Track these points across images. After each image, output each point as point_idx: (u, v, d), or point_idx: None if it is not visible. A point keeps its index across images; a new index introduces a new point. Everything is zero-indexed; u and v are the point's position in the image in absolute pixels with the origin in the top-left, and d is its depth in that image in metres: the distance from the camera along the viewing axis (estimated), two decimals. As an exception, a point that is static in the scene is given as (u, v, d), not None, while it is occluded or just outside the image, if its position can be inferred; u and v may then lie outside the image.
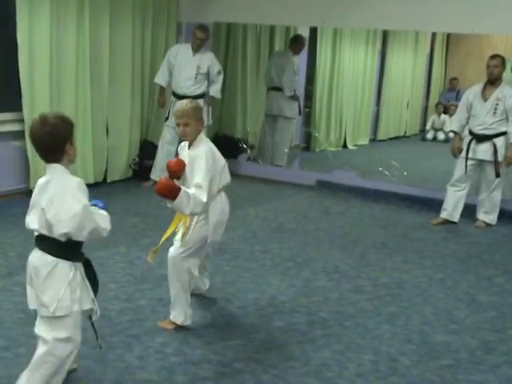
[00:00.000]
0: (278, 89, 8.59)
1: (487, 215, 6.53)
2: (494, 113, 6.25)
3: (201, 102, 7.39)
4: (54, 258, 2.75)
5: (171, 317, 3.81)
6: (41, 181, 2.80)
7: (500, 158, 6.27)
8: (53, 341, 2.75)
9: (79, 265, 2.84)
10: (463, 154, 6.40)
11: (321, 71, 9.79)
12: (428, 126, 11.52)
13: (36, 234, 2.82)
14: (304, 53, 8.95)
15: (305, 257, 5.27)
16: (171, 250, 3.87)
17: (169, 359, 3.43)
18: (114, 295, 4.22)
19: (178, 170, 3.72)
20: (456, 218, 6.53)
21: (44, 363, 2.77)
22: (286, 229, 6.03)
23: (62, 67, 6.61)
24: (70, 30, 6.61)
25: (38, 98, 6.38)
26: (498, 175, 6.30)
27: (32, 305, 2.89)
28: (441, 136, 11.18)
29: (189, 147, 3.74)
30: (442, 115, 11.24)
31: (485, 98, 6.31)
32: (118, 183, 7.37)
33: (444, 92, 11.66)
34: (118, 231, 5.63)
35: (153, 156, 7.53)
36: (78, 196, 2.68)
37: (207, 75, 7.41)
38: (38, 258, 2.80)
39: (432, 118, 11.51)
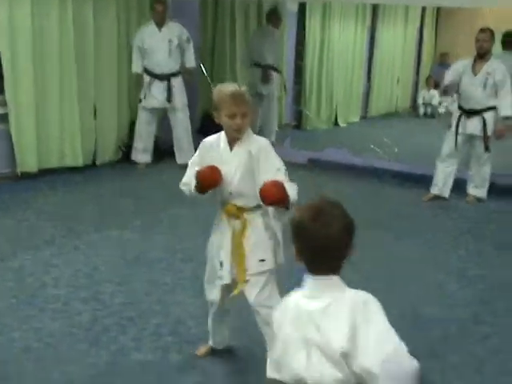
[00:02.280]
0: (259, 64, 8.52)
1: (477, 190, 6.55)
2: (484, 87, 6.24)
3: (179, 79, 7.35)
4: None
5: None
6: (309, 305, 1.85)
7: (489, 133, 6.27)
8: None
9: None
10: (453, 128, 6.41)
11: (310, 47, 9.75)
12: (419, 101, 11.54)
13: None
14: (293, 28, 8.89)
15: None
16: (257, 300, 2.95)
17: (163, 340, 3.45)
18: (106, 278, 4.23)
19: (215, 181, 2.83)
20: (446, 193, 6.55)
21: None
22: (277, 208, 6.04)
23: (45, 49, 6.51)
24: (52, 9, 6.49)
25: (21, 80, 6.30)
26: (487, 149, 6.30)
27: None
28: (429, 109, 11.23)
29: (231, 146, 2.87)
30: (432, 90, 11.24)
31: (475, 73, 6.31)
32: (108, 165, 7.34)
33: (434, 67, 11.65)
34: (110, 214, 5.65)
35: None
36: (387, 326, 1.79)
37: (180, 47, 7.32)
38: None
39: (422, 93, 11.52)
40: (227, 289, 2.99)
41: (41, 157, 6.59)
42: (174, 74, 7.29)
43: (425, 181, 6.76)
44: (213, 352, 3.34)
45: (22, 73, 6.32)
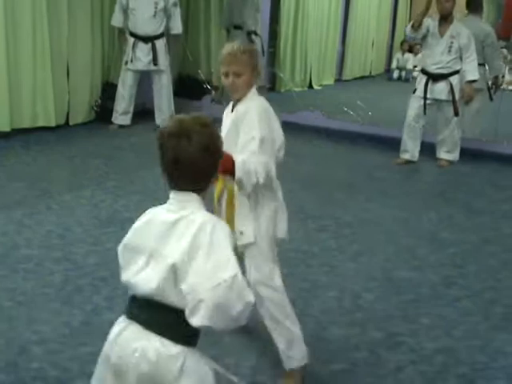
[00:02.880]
0: (239, 27, 8.42)
1: (449, 154, 6.57)
2: (449, 51, 6.19)
3: (163, 41, 7.24)
4: (181, 347, 1.79)
5: (290, 366, 2.76)
6: (163, 216, 1.86)
7: (457, 97, 6.25)
8: None
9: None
10: (418, 93, 6.39)
11: (285, 9, 9.65)
12: (393, 65, 11.52)
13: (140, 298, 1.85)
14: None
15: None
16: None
17: (136, 300, 3.45)
18: (79, 238, 4.21)
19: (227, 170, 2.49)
20: (416, 157, 6.57)
21: None
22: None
23: (17, 7, 6.35)
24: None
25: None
26: (456, 114, 6.28)
27: None
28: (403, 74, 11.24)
29: (232, 108, 2.73)
30: (406, 54, 11.23)
31: (440, 35, 6.24)
32: (81, 126, 7.25)
33: (409, 31, 11.61)
34: (83, 174, 5.60)
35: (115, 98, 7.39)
36: (228, 255, 1.75)
37: (165, 10, 7.18)
38: (151, 348, 1.78)
39: (397, 57, 11.50)
40: None
41: (13, 116, 6.47)
42: (157, 36, 7.15)
43: (398, 144, 6.79)
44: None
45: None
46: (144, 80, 7.39)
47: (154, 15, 7.07)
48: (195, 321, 1.71)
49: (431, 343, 3.19)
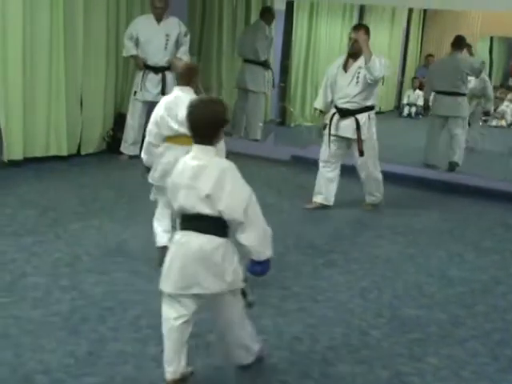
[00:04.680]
0: (249, 61, 8.47)
1: (371, 196, 6.17)
2: (357, 82, 5.74)
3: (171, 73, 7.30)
4: (222, 239, 2.79)
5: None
6: (192, 163, 2.77)
7: (363, 136, 5.81)
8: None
9: None
10: (327, 130, 5.96)
11: (297, 46, 9.75)
12: (404, 101, 11.58)
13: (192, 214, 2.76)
14: (280, 27, 8.87)
15: (278, 232, 5.25)
16: None
17: (142, 331, 3.44)
18: (88, 268, 4.21)
19: None
20: (331, 201, 6.06)
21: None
22: (259, 204, 6.02)
23: (35, 38, 6.49)
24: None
25: (11, 69, 6.28)
26: (361, 154, 5.87)
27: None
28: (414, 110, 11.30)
29: None
30: (417, 90, 11.29)
31: (346, 70, 5.84)
32: (92, 156, 7.30)
33: (419, 68, 11.70)
34: (92, 204, 5.62)
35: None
36: (242, 183, 2.82)
37: (177, 42, 7.26)
38: (205, 242, 2.76)
39: (407, 93, 11.57)
40: None
41: (26, 145, 6.56)
42: (168, 67, 7.21)
43: (406, 180, 6.78)
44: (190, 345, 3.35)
45: (11, 62, 6.27)
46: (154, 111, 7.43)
47: (165, 47, 7.16)
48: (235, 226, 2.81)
49: (438, 383, 3.16)
